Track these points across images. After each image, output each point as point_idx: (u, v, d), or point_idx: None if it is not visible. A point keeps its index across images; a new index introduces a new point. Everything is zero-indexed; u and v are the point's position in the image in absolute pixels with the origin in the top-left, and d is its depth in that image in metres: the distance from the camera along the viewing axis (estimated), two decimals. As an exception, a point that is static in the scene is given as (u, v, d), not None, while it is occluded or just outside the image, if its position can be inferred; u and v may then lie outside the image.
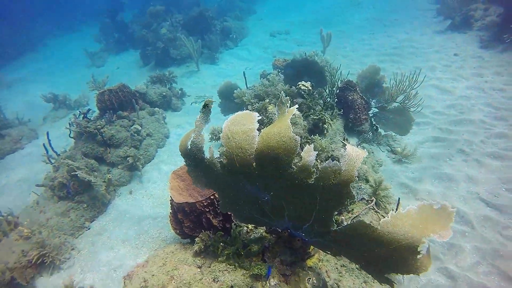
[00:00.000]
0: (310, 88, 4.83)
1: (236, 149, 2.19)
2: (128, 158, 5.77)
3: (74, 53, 15.62)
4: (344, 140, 5.16)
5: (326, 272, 3.48)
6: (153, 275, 2.98)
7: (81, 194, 5.19)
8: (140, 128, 6.24)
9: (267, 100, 5.06)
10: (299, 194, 2.31)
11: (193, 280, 2.91)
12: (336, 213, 2.95)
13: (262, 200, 2.50)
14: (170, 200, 3.63)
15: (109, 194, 5.50)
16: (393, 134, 5.76)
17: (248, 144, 2.15)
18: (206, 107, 2.20)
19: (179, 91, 8.44)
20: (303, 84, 4.81)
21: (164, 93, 7.81)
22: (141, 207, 5.37)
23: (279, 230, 3.03)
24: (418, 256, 1.99)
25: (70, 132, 6.00)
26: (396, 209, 3.88)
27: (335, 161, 2.03)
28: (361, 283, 3.54)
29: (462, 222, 4.15)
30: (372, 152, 5.28)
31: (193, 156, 2.39)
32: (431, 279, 3.55)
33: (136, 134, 6.18)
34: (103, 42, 14.72)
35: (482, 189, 4.53)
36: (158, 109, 7.36)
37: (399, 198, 3.74)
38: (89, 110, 6.31)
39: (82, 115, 6.08)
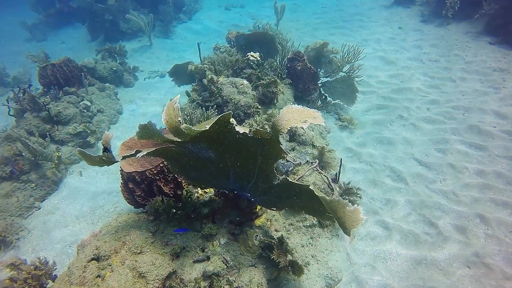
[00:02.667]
0: (259, 58, 4.92)
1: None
2: (84, 130, 5.60)
3: (7, 25, 14.13)
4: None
5: (276, 230, 3.76)
6: (105, 241, 3.04)
7: (27, 173, 4.98)
8: (90, 104, 6.01)
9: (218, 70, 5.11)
10: (241, 148, 2.45)
11: (145, 243, 3.01)
12: (275, 166, 3.14)
13: (207, 160, 2.63)
14: (120, 170, 3.64)
15: (59, 172, 5.33)
16: (341, 103, 6.08)
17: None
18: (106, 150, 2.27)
19: (131, 67, 8.12)
20: (251, 55, 4.89)
21: (115, 68, 7.49)
22: (95, 184, 5.28)
23: (226, 192, 3.19)
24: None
25: (9, 109, 5.63)
26: (339, 169, 4.20)
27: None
28: (308, 239, 3.86)
29: (398, 180, 4.60)
30: (321, 120, 5.57)
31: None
32: (370, 231, 3.96)
33: (85, 110, 5.95)
34: (42, 12, 13.16)
35: (416, 150, 5.03)
36: (109, 84, 7.08)
37: (341, 159, 4.06)
38: (30, 85, 5.93)
39: (23, 91, 5.70)
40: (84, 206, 4.89)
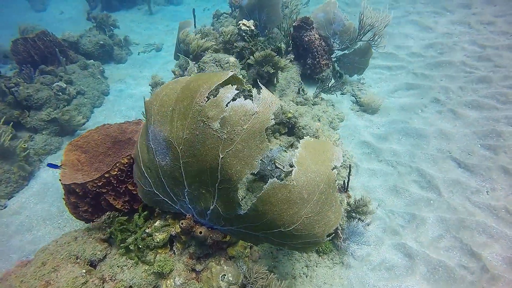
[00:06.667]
0: (253, 27, 3.85)
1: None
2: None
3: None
4: (300, 90, 4.33)
5: (258, 259, 2.89)
6: (22, 281, 2.33)
7: (-10, 167, 4.39)
8: (65, 85, 5.24)
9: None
10: (201, 143, 1.83)
11: (73, 286, 2.27)
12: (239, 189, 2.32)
13: (161, 163, 2.04)
14: (60, 180, 2.87)
15: (30, 165, 4.71)
16: (360, 81, 4.92)
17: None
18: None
19: (122, 39, 7.23)
20: (244, 24, 3.83)
21: (102, 42, 6.63)
22: (68, 179, 4.63)
23: (183, 216, 2.36)
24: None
25: (-23, 93, 4.99)
26: (348, 176, 3.21)
27: (247, 100, 1.77)
28: (302, 268, 3.01)
29: (428, 188, 3.54)
30: (333, 105, 4.49)
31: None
32: (386, 258, 3.02)
33: (60, 93, 5.20)
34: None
35: (454, 147, 3.87)
36: (93, 61, 6.25)
37: (350, 165, 3.04)
38: (-1, 65, 5.23)
39: (-9, 72, 5.02)
40: (53, 206, 4.28)
